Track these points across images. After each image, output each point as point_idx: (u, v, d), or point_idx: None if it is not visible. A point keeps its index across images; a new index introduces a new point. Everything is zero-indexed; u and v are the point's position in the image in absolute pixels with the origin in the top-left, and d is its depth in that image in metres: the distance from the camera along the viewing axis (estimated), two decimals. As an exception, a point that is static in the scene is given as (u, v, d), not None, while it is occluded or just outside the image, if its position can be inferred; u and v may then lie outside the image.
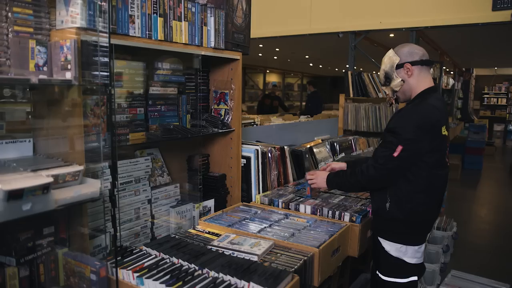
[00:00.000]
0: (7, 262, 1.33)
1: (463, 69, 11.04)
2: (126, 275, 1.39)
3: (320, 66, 12.11)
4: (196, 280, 1.32)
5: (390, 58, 1.82)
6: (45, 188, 1.18)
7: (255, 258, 1.55)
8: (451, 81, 8.65)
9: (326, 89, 14.36)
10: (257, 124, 3.37)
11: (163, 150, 2.13)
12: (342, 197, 2.37)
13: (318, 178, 2.02)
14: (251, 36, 6.85)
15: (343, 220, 2.04)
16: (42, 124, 1.53)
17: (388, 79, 1.83)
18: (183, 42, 1.83)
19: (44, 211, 1.19)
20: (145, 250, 1.57)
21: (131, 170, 1.83)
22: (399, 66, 1.79)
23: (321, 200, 2.27)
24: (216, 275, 1.37)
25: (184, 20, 1.82)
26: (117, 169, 1.75)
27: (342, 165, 2.15)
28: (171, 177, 2.15)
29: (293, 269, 1.49)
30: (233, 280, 1.33)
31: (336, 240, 1.82)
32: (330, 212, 2.09)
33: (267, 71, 13.88)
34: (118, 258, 1.47)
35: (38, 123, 1.53)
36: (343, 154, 3.74)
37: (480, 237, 4.60)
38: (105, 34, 1.37)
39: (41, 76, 1.35)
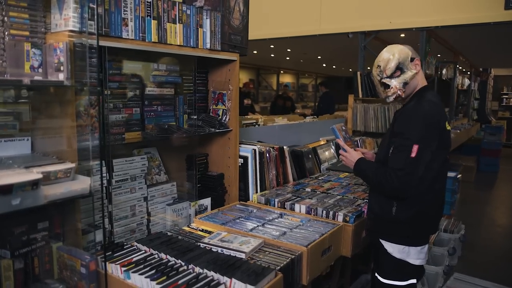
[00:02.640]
0: (2, 255, 1.39)
1: (480, 69, 10.80)
2: (114, 269, 1.44)
3: (334, 66, 12.05)
4: (180, 275, 1.36)
5: (403, 50, 1.79)
6: (34, 184, 1.23)
7: (242, 256, 1.58)
8: (467, 81, 8.48)
9: (341, 90, 14.27)
10: (259, 125, 3.39)
11: (162, 150, 2.18)
12: (339, 197, 2.38)
13: (350, 157, 1.88)
14: (261, 37, 6.86)
15: (337, 220, 2.05)
16: (40, 124, 1.59)
17: (400, 70, 1.77)
18: (178, 43, 1.87)
19: (34, 206, 1.25)
20: (136, 245, 1.62)
21: (127, 168, 1.88)
22: (412, 59, 1.79)
23: (317, 200, 2.28)
24: (201, 271, 1.40)
25: (179, 23, 1.87)
26: (112, 167, 1.82)
27: (373, 155, 2.02)
28: (170, 176, 2.20)
29: (278, 267, 1.52)
30: (216, 276, 1.36)
31: (327, 239, 1.83)
32: (324, 212, 2.10)
33: (281, 71, 13.90)
34: (109, 253, 1.53)
35: (35, 123, 1.60)
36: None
37: (491, 241, 4.51)
38: (95, 37, 1.42)
39: (35, 78, 1.42)
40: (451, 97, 7.35)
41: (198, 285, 1.30)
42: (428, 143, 1.62)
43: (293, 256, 1.62)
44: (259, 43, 6.95)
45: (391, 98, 1.81)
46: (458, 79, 7.89)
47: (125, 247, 1.60)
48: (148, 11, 1.71)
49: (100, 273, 1.45)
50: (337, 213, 2.06)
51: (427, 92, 1.78)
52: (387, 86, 1.80)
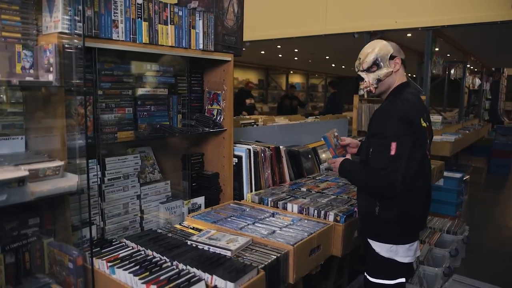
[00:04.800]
0: (-7, 249, 1.44)
1: (493, 68, 10.62)
2: (101, 264, 1.48)
3: (343, 66, 11.99)
4: (163, 271, 1.39)
5: (385, 46, 1.80)
6: (20, 181, 1.27)
7: (228, 254, 1.60)
8: (478, 81, 8.36)
9: (351, 90, 14.21)
10: (257, 125, 3.41)
11: (158, 149, 2.21)
12: (333, 197, 2.38)
13: (336, 162, 1.94)
14: (267, 37, 6.84)
15: (328, 219, 2.06)
16: (33, 123, 1.64)
17: (377, 65, 1.79)
18: (169, 44, 1.90)
19: (21, 202, 1.29)
20: (125, 242, 1.66)
21: (120, 167, 1.92)
22: (392, 57, 1.80)
23: (310, 200, 2.29)
24: (184, 267, 1.43)
25: (171, 24, 1.90)
26: (105, 165, 1.87)
27: (357, 142, 2.09)
28: (166, 175, 2.23)
29: (262, 265, 1.53)
30: (198, 272, 1.39)
31: (315, 238, 1.84)
32: (316, 211, 2.11)
33: (291, 72, 13.88)
34: (97, 249, 1.57)
35: (29, 122, 1.65)
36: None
37: (498, 243, 4.43)
38: (86, 38, 1.46)
39: (26, 78, 1.47)
40: (460, 97, 7.26)
41: (179, 281, 1.33)
42: (405, 140, 1.64)
43: (278, 255, 1.63)
44: (266, 43, 6.97)
45: (362, 92, 1.85)
46: (468, 79, 7.79)
47: (113, 243, 1.64)
48: (139, 13, 1.75)
49: (88, 268, 1.49)
50: (328, 213, 2.07)
51: (403, 89, 1.80)
52: (361, 79, 1.84)
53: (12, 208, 1.30)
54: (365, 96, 1.88)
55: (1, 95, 1.54)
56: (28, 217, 1.53)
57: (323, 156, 3.41)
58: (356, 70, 1.87)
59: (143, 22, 1.77)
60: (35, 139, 1.65)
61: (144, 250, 1.58)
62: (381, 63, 1.79)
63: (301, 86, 14.53)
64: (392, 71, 1.79)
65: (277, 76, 13.63)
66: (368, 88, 1.82)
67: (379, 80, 1.80)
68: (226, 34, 2.22)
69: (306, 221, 2.02)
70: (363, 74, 1.83)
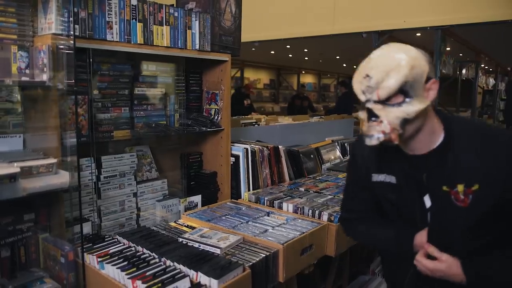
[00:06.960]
0: (-11, 243, 1.50)
1: (508, 68, 10.39)
2: (91, 259, 1.51)
3: (354, 66, 11.90)
4: (150, 267, 1.42)
5: (418, 60, 1.08)
6: (12, 177, 1.32)
7: (218, 251, 1.62)
8: (491, 81, 8.20)
9: (364, 90, 14.05)
10: (258, 124, 3.43)
11: (156, 148, 2.25)
12: (330, 196, 2.38)
13: (445, 265, 1.11)
14: (276, 37, 6.85)
15: (322, 219, 2.06)
16: (30, 122, 1.69)
17: (406, 94, 1.07)
18: (165, 45, 1.93)
19: (14, 198, 1.33)
20: (117, 238, 1.69)
21: (116, 165, 1.96)
22: (429, 79, 1.09)
23: (306, 199, 2.30)
24: (171, 264, 1.46)
25: (166, 25, 1.93)
26: (101, 163, 1.91)
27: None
28: (163, 173, 2.27)
29: (250, 263, 1.55)
30: (184, 269, 1.42)
31: (307, 238, 1.85)
32: (311, 211, 2.12)
33: (302, 72, 13.86)
34: (89, 245, 1.61)
35: (27, 121, 1.70)
36: (352, 155, 3.71)
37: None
38: (78, 39, 1.50)
39: (22, 79, 1.52)
40: (472, 98, 7.14)
41: (164, 276, 1.35)
42: None
43: (267, 253, 1.64)
44: (275, 43, 6.98)
45: (373, 141, 1.09)
46: (482, 79, 7.65)
47: (106, 239, 1.68)
48: (133, 14, 1.78)
49: (79, 263, 1.53)
50: (322, 213, 2.07)
51: (457, 118, 1.21)
52: (373, 116, 1.09)
53: (6, 203, 1.34)
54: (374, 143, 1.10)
55: (14, 95, 1.60)
56: (23, 212, 1.58)
57: (326, 156, 3.40)
58: (363, 98, 1.11)
59: (137, 23, 1.81)
60: (33, 137, 1.70)
61: (134, 246, 1.61)
62: (413, 91, 1.06)
63: (313, 86, 14.49)
64: (429, 104, 1.09)
65: (288, 76, 13.62)
66: (387, 135, 1.07)
67: (406, 121, 1.06)
68: (223, 34, 2.24)
69: (300, 220, 2.03)
70: (376, 108, 1.08)
